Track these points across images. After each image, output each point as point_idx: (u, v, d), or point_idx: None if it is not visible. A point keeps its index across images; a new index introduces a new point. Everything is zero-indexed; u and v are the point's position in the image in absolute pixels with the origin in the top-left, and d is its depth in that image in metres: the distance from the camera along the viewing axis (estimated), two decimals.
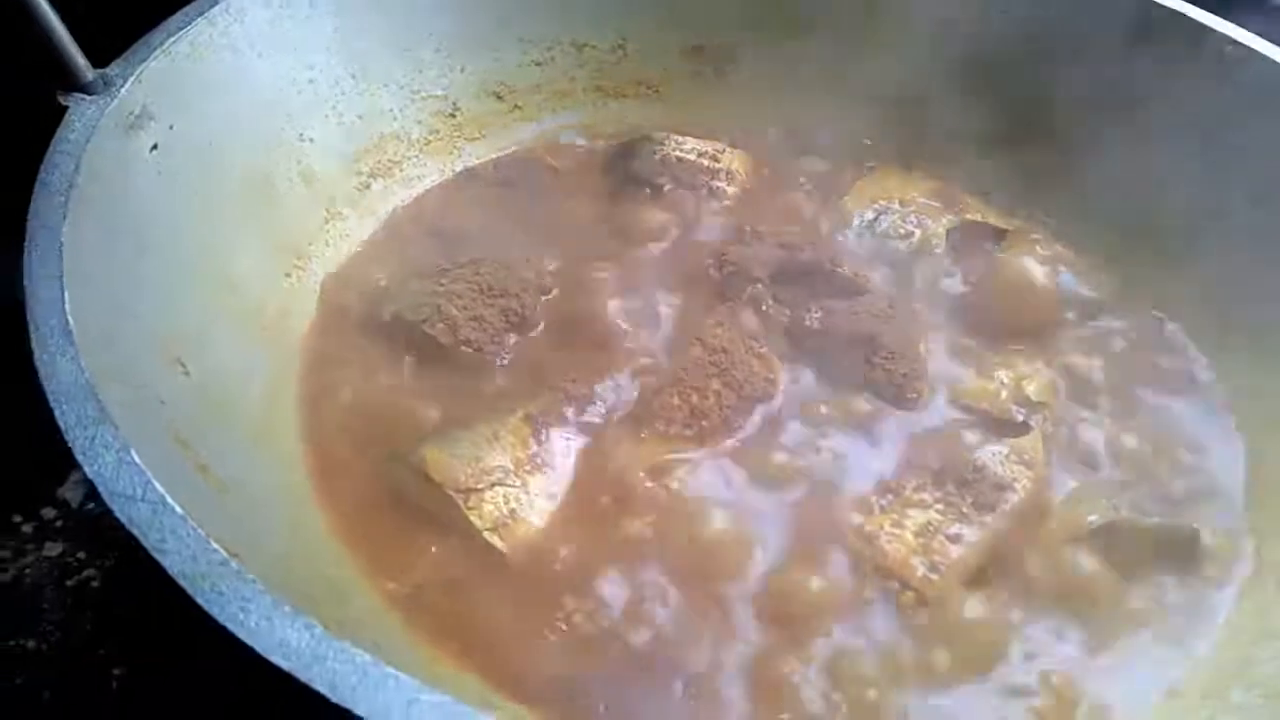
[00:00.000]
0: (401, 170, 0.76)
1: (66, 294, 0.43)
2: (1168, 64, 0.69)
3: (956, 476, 0.58)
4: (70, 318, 0.42)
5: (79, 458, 0.38)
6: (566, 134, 0.82)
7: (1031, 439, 0.60)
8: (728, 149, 0.78)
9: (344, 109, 0.72)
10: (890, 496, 0.57)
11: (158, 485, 0.37)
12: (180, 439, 0.46)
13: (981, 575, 0.55)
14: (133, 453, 0.37)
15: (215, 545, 0.35)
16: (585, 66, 0.82)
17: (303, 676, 0.32)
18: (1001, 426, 0.62)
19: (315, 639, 0.33)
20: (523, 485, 0.55)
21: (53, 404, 0.39)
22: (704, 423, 0.59)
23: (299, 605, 0.34)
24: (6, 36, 0.52)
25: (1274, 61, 0.65)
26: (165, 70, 0.57)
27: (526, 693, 0.49)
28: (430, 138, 0.78)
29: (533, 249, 0.69)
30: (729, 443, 0.60)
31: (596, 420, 0.59)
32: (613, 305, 0.66)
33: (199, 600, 0.34)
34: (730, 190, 0.76)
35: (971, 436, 0.61)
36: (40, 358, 0.41)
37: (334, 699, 0.32)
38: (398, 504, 0.55)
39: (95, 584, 0.59)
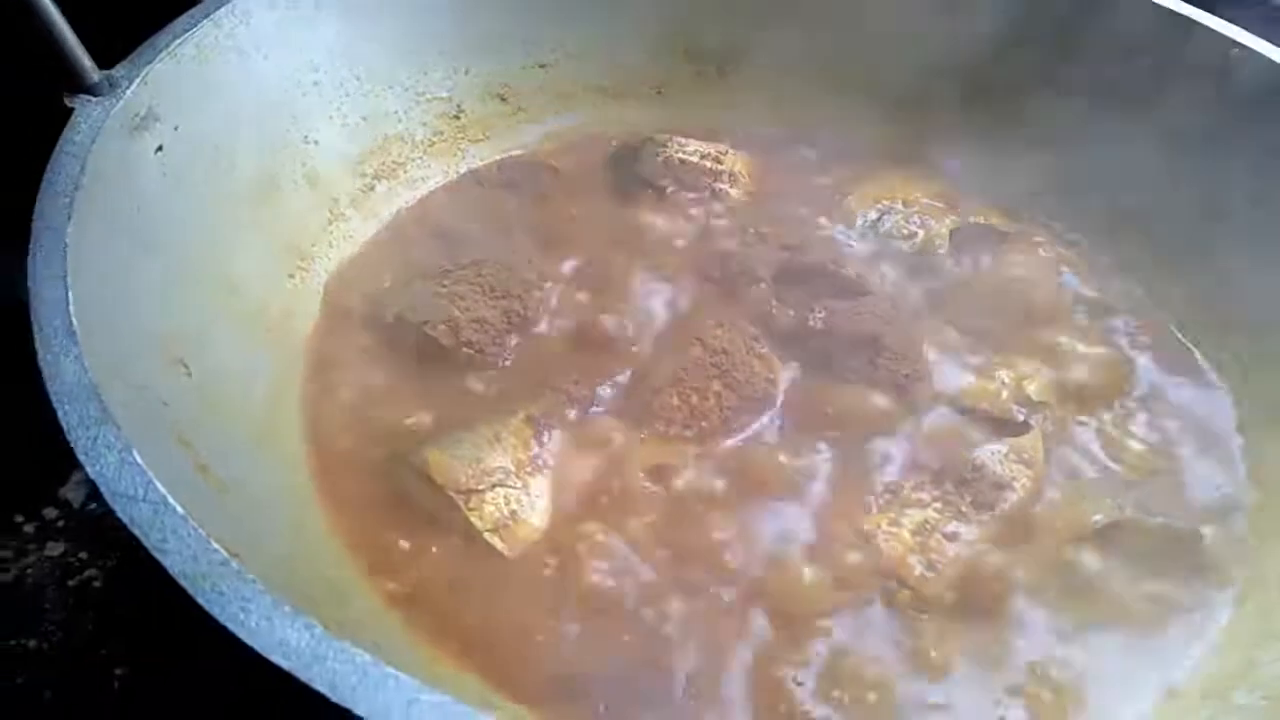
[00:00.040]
0: (405, 172, 0.76)
1: (70, 294, 0.43)
2: (1169, 66, 0.69)
3: (955, 476, 0.58)
4: (74, 318, 0.42)
5: (81, 458, 0.38)
6: (570, 136, 0.82)
7: (1031, 438, 0.60)
8: (730, 151, 0.78)
9: (348, 111, 0.73)
10: (889, 495, 0.57)
11: (159, 485, 0.37)
12: (182, 439, 0.47)
13: (978, 575, 0.55)
14: (134, 453, 0.38)
15: (216, 545, 0.35)
16: (588, 68, 0.82)
17: (303, 676, 0.32)
18: (1002, 426, 0.62)
19: (315, 639, 0.33)
20: (524, 486, 0.55)
21: (56, 404, 0.39)
22: (704, 423, 0.60)
23: (299, 605, 0.34)
24: (12, 38, 0.52)
25: (1274, 63, 0.65)
26: (171, 72, 0.57)
27: (526, 693, 0.49)
28: (434, 139, 0.78)
29: (535, 251, 0.69)
30: (729, 443, 0.60)
31: (597, 421, 0.59)
32: (614, 306, 0.66)
33: (200, 600, 0.34)
34: (733, 192, 0.77)
35: (971, 436, 0.61)
36: (44, 358, 0.41)
37: (334, 699, 0.32)
38: (399, 504, 0.56)
39: (97, 584, 0.59)
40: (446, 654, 0.50)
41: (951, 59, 0.76)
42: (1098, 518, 0.57)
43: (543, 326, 0.65)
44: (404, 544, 0.54)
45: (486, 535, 0.53)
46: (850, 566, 0.54)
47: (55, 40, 0.52)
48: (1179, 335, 0.70)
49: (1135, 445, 0.62)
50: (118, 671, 0.56)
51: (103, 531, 0.61)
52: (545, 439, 0.58)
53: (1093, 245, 0.74)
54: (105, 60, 0.54)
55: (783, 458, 0.59)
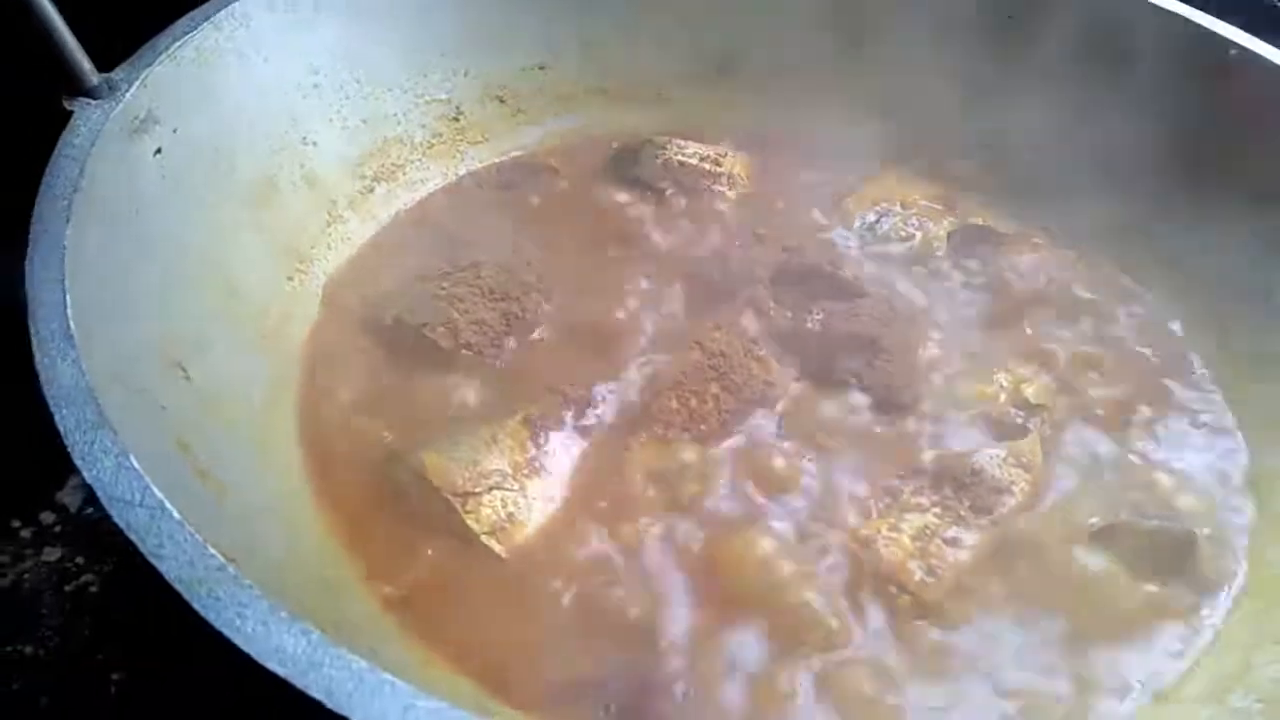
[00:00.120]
0: (404, 174, 0.76)
1: (68, 298, 0.43)
2: (1166, 67, 0.69)
3: (954, 479, 0.58)
4: (71, 321, 0.42)
5: (78, 462, 0.38)
6: (569, 138, 0.82)
7: (1030, 441, 0.60)
8: (729, 153, 0.78)
9: (348, 113, 0.73)
10: (888, 500, 0.57)
11: (156, 490, 0.37)
12: (181, 443, 0.47)
13: (978, 579, 0.55)
14: (131, 458, 0.38)
15: (212, 550, 0.35)
16: (588, 71, 0.82)
17: (299, 683, 0.32)
18: (1000, 429, 0.62)
19: (312, 645, 0.33)
20: (521, 489, 0.55)
21: (53, 408, 0.39)
22: (702, 426, 0.59)
23: (296, 609, 0.34)
24: (12, 40, 0.52)
25: (1274, 65, 0.65)
26: (170, 75, 0.57)
27: (523, 698, 0.49)
28: (433, 141, 0.78)
29: (534, 253, 0.69)
30: (727, 446, 0.60)
31: (595, 423, 0.60)
32: (613, 309, 0.66)
33: (196, 605, 0.34)
34: (731, 194, 0.77)
35: (969, 439, 0.61)
36: (41, 361, 0.41)
37: (330, 705, 0.32)
38: (396, 507, 0.55)
39: (94, 589, 0.59)
40: (443, 658, 0.50)
41: (950, 60, 0.76)
42: (1094, 520, 0.57)
43: (541, 329, 0.65)
44: (400, 547, 0.54)
45: (483, 538, 0.53)
46: (850, 571, 0.54)
47: (55, 43, 0.52)
48: (1177, 337, 0.70)
49: (1132, 448, 0.62)
50: (114, 677, 0.56)
51: (99, 536, 0.61)
52: (543, 441, 0.58)
53: (1091, 247, 0.74)
54: (105, 63, 0.54)
55: (781, 461, 0.59)
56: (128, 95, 0.54)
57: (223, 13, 0.61)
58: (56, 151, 0.50)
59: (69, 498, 0.63)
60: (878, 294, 0.68)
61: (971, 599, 0.54)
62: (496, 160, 0.80)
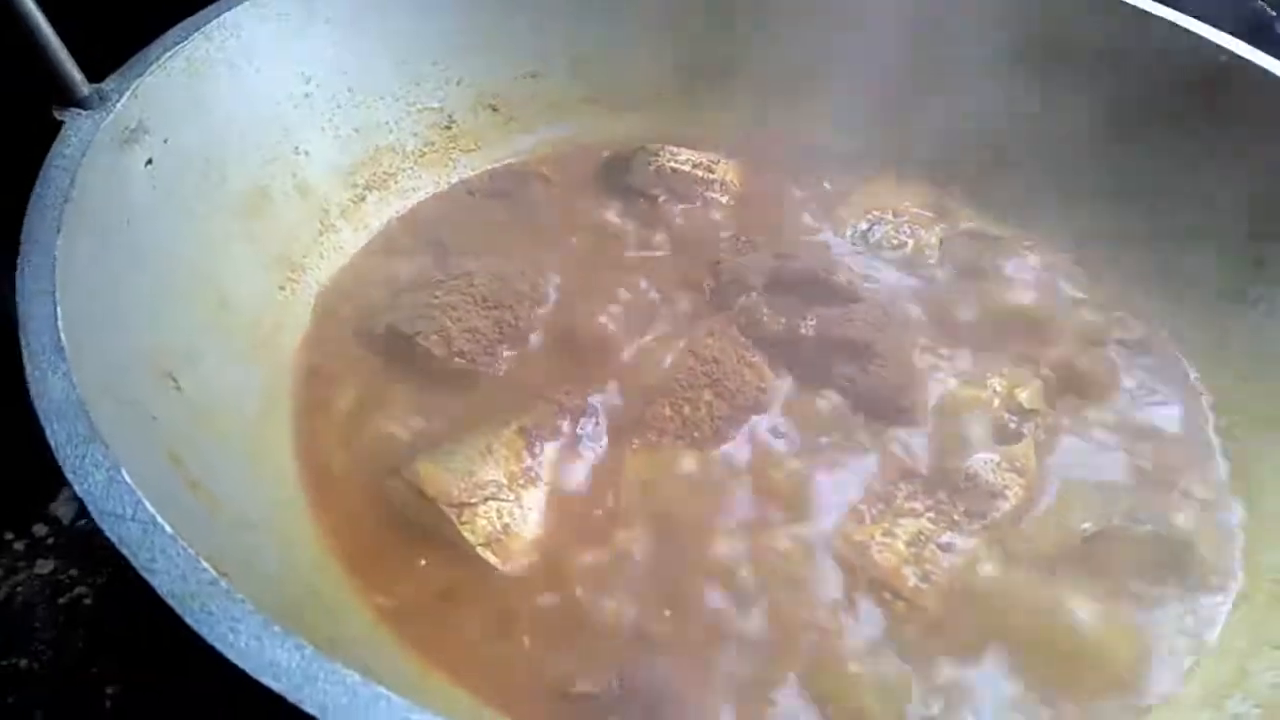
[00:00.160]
0: (396, 182, 0.76)
1: (59, 310, 0.43)
2: (1160, 73, 0.70)
3: (948, 485, 0.58)
4: (62, 334, 0.42)
5: (69, 476, 0.37)
6: (561, 145, 0.82)
7: (1023, 446, 0.60)
8: (722, 160, 0.79)
9: (340, 122, 0.73)
10: (881, 505, 0.57)
11: (148, 504, 0.37)
12: (173, 455, 0.46)
13: (973, 584, 0.54)
14: (123, 471, 0.37)
15: (205, 564, 0.35)
16: (580, 78, 0.82)
17: (293, 698, 0.32)
18: (993, 434, 0.62)
19: (305, 659, 0.33)
20: (516, 499, 0.55)
21: (43, 421, 0.39)
22: (696, 433, 0.59)
23: (290, 621, 0.34)
24: (1, 51, 0.52)
25: (1269, 73, 0.66)
26: (161, 85, 0.57)
27: (518, 709, 0.48)
28: (425, 150, 0.78)
29: (527, 261, 0.69)
30: (721, 452, 0.59)
31: (590, 432, 0.59)
32: (606, 317, 0.66)
33: (188, 620, 0.34)
34: (725, 201, 0.77)
35: (963, 444, 0.61)
36: (32, 374, 0.41)
37: None
38: (390, 518, 0.55)
39: (87, 601, 0.59)
40: (438, 669, 0.50)
41: (941, 67, 0.76)
42: (1086, 526, 0.57)
43: (535, 337, 0.65)
44: (395, 558, 0.54)
45: (479, 549, 0.53)
46: (844, 577, 0.54)
47: (45, 53, 0.52)
48: (1170, 343, 0.70)
49: (1125, 453, 0.62)
50: (109, 690, 0.55)
51: (93, 548, 0.61)
52: (537, 450, 0.58)
53: (1083, 253, 0.74)
54: (95, 73, 0.54)
55: (774, 467, 0.59)
56: (118, 105, 0.54)
57: (213, 22, 0.61)
58: (47, 162, 0.50)
59: (62, 509, 0.63)
60: (871, 300, 0.68)
61: (966, 605, 0.54)
62: (489, 168, 0.80)
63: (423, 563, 0.53)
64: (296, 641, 0.33)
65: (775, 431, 0.61)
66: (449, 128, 0.79)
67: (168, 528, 0.36)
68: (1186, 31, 0.69)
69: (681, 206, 0.76)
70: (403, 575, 0.53)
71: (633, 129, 0.82)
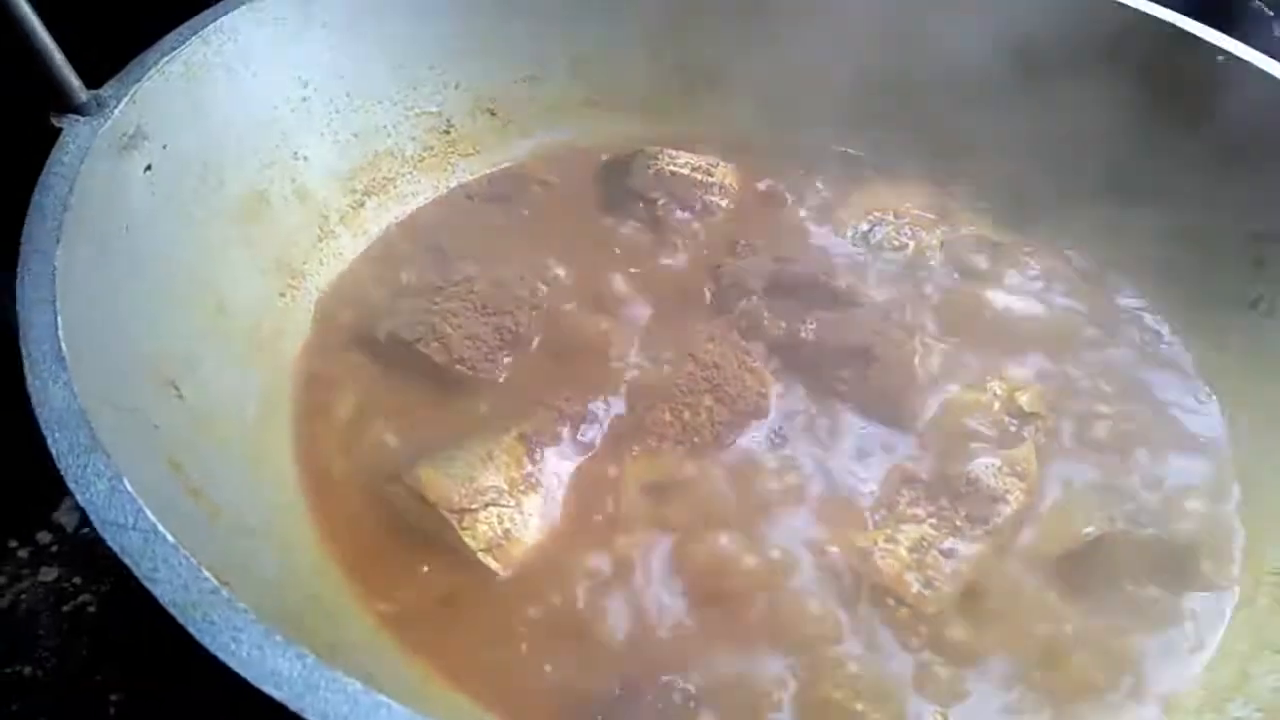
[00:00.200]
0: (395, 187, 0.76)
1: (60, 319, 0.43)
2: (1160, 73, 0.70)
3: (950, 490, 0.58)
4: (63, 343, 0.42)
5: (71, 486, 0.38)
6: (560, 149, 0.82)
7: (1024, 450, 0.60)
8: (721, 163, 0.78)
9: (338, 127, 0.72)
10: (883, 511, 0.57)
11: (149, 514, 0.37)
12: (174, 462, 0.46)
13: (976, 590, 0.54)
14: (125, 481, 0.37)
15: (207, 574, 0.35)
16: (578, 82, 0.82)
17: (294, 707, 0.32)
18: (995, 438, 0.62)
19: (307, 668, 0.33)
20: (517, 505, 0.55)
21: (45, 431, 0.39)
22: (696, 438, 0.59)
23: (290, 627, 0.34)
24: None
25: (1269, 75, 0.66)
26: (159, 90, 0.57)
27: (520, 714, 0.49)
28: (424, 154, 0.78)
29: (526, 265, 0.69)
30: (721, 458, 0.59)
31: (590, 438, 0.59)
32: (606, 322, 0.66)
33: (190, 630, 0.34)
34: (724, 204, 0.77)
35: (965, 448, 0.61)
36: (33, 384, 0.41)
37: None
38: (391, 524, 0.55)
39: (91, 609, 0.59)
40: (440, 675, 0.50)
41: (942, 71, 0.76)
42: (1089, 530, 0.57)
43: (535, 343, 0.65)
44: (396, 563, 0.54)
45: (480, 555, 0.53)
46: (846, 583, 0.54)
47: (43, 60, 0.52)
48: (1171, 343, 0.70)
49: (1127, 456, 0.62)
50: (113, 698, 0.55)
51: (96, 556, 0.61)
52: (538, 457, 0.57)
53: (1084, 254, 0.74)
54: (93, 79, 0.54)
55: (775, 472, 0.59)
56: (116, 111, 0.54)
57: (211, 27, 0.61)
58: (46, 169, 0.50)
59: (65, 517, 0.63)
60: (871, 304, 0.68)
61: (968, 611, 0.54)
62: (487, 172, 0.80)
63: (424, 568, 0.53)
64: (298, 650, 0.33)
65: (776, 436, 0.61)
66: (447, 132, 0.79)
67: (169, 537, 0.36)
68: (1186, 32, 0.69)
69: (680, 210, 0.75)
70: (403, 581, 0.53)
71: (631, 132, 0.82)
